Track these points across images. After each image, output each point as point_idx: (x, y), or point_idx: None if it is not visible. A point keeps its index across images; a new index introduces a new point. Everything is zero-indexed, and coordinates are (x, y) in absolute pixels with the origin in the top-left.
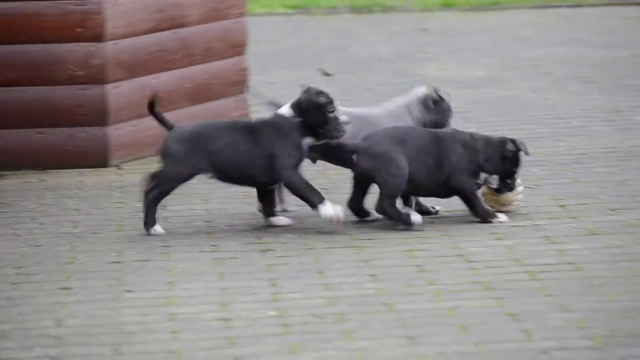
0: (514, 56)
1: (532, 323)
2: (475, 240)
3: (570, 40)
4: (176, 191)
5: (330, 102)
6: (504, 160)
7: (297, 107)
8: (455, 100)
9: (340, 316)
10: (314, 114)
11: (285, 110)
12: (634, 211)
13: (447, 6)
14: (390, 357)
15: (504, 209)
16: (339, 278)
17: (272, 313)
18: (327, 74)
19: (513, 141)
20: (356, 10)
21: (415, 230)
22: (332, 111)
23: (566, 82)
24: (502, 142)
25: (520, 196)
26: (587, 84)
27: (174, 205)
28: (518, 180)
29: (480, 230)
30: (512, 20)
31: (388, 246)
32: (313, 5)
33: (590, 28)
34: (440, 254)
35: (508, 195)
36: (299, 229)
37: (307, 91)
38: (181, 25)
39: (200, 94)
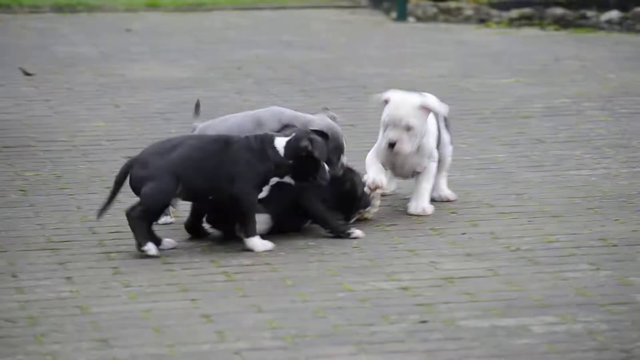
0: (218, 57)
1: (225, 324)
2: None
3: (273, 42)
4: None
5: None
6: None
7: (291, 149)
8: (158, 101)
9: (32, 320)
10: (307, 161)
11: (280, 144)
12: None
13: (152, 6)
14: None
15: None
16: (33, 281)
17: None
18: (28, 74)
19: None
20: (59, 9)
21: (111, 232)
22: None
23: (268, 84)
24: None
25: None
26: (289, 85)
27: None
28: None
29: (177, 232)
30: (216, 21)
31: (84, 248)
32: (15, 4)
33: (293, 30)
34: (137, 255)
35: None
36: None
37: (309, 140)
38: None
39: None
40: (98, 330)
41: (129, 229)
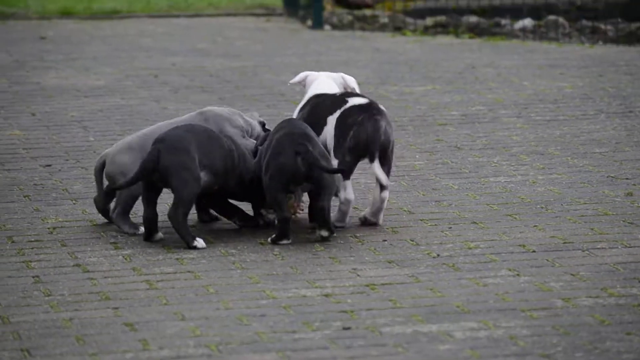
0: (133, 65)
1: (148, 332)
2: (93, 250)
3: (189, 50)
4: None
5: None
6: None
7: None
8: (75, 109)
9: None
10: None
11: None
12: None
13: (65, 14)
14: None
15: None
16: None
17: None
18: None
19: None
20: None
21: (30, 241)
22: None
23: (186, 92)
24: None
25: None
26: (207, 93)
27: None
28: None
29: (98, 240)
30: (132, 29)
31: (3, 257)
32: None
33: (209, 38)
34: (57, 264)
35: None
36: None
37: None
38: None
39: None
40: (19, 339)
41: (47, 237)
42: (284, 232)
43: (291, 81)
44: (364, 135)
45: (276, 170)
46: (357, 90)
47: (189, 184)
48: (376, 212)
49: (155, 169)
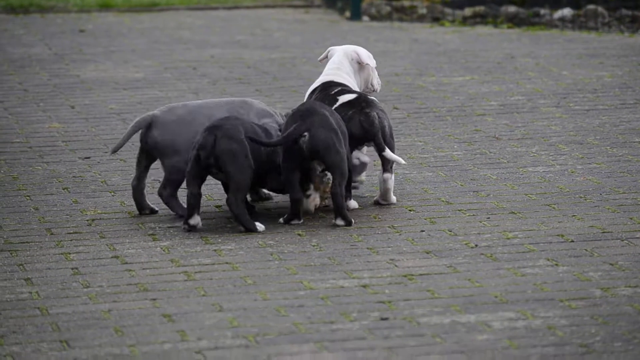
0: (172, 57)
1: (186, 323)
2: (132, 242)
3: (227, 42)
4: None
5: None
6: None
7: None
8: (114, 102)
9: None
10: None
11: None
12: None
13: (105, 7)
14: None
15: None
16: None
17: None
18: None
19: None
20: (12, 10)
21: (69, 233)
22: None
23: (224, 84)
24: None
25: None
26: (245, 85)
27: None
28: None
29: (136, 232)
30: (170, 21)
31: (42, 249)
32: None
33: (247, 30)
34: (96, 256)
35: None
36: None
37: None
38: None
39: None
40: (58, 331)
41: (86, 229)
42: (295, 212)
43: (319, 58)
44: (356, 129)
45: (285, 151)
46: (373, 63)
47: (245, 171)
48: (384, 194)
49: (212, 154)
